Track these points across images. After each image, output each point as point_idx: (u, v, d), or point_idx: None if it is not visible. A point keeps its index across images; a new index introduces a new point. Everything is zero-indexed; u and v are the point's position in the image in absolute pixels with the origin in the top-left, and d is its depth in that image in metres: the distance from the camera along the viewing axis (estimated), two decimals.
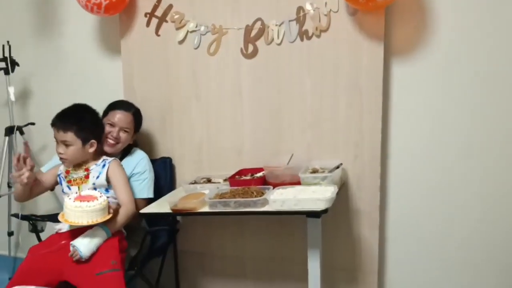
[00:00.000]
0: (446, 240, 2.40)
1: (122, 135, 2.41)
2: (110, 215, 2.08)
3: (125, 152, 2.48)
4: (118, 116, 2.42)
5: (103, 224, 2.09)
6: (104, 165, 2.26)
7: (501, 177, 2.26)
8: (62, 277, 2.07)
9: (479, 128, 2.26)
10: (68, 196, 2.06)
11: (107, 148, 2.39)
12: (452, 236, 2.38)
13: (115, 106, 2.47)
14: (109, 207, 2.10)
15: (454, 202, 2.36)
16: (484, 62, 2.21)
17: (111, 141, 2.39)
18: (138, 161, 2.46)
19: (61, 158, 2.23)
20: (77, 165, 2.27)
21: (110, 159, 2.30)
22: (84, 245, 2.03)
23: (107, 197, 2.16)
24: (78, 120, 2.22)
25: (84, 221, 2.01)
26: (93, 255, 2.06)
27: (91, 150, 2.25)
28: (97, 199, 2.04)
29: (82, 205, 2.00)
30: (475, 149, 2.28)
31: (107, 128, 2.39)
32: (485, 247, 2.34)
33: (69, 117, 2.23)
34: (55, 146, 2.24)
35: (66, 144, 2.19)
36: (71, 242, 2.04)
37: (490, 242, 2.32)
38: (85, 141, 2.22)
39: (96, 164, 2.27)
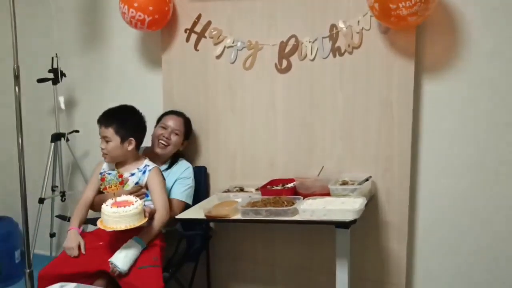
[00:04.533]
0: (474, 254, 2.41)
1: (173, 137, 2.58)
2: (146, 219, 2.17)
3: (172, 162, 2.62)
4: (170, 120, 2.62)
5: (137, 236, 2.21)
6: (144, 172, 2.39)
7: None
8: (102, 266, 2.17)
9: (510, 144, 2.28)
10: (105, 203, 2.16)
11: (158, 150, 2.56)
12: (481, 252, 2.40)
13: (168, 112, 2.69)
14: (144, 211, 2.19)
15: (483, 218, 2.37)
16: None
17: (162, 143, 2.56)
18: (185, 168, 2.60)
19: (103, 154, 2.38)
20: (118, 165, 2.40)
21: (151, 166, 2.41)
22: (120, 261, 2.12)
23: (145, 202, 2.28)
24: (120, 118, 2.37)
25: (122, 226, 2.09)
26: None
27: (130, 148, 2.37)
28: (133, 204, 2.12)
29: (119, 211, 2.08)
30: (505, 164, 2.30)
31: (159, 131, 2.58)
32: None
33: (112, 115, 2.39)
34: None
35: (107, 140, 2.34)
36: (109, 260, 2.14)
37: None
38: (123, 139, 2.35)
39: (138, 169, 2.40)
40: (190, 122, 2.71)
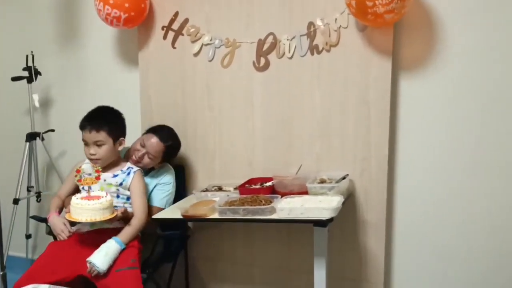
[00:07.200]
0: (452, 253, 2.42)
1: (145, 159, 2.45)
2: (112, 216, 2.13)
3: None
4: (151, 140, 2.46)
5: (116, 237, 2.19)
6: (129, 173, 2.36)
7: (508, 190, 2.28)
8: (79, 271, 2.14)
9: (487, 143, 2.30)
10: (75, 195, 2.14)
11: (130, 160, 2.47)
12: (459, 249, 2.41)
13: (155, 130, 2.52)
14: (118, 211, 2.18)
15: (460, 215, 2.38)
16: (492, 77, 2.25)
17: (134, 158, 2.46)
18: (166, 174, 2.55)
19: (93, 160, 2.30)
20: (105, 167, 2.33)
21: (135, 168, 2.40)
22: (100, 260, 2.09)
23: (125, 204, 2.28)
24: (110, 120, 2.34)
25: (83, 218, 2.08)
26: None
27: (120, 147, 2.37)
28: (99, 199, 2.10)
29: (82, 203, 2.07)
30: (482, 163, 2.31)
31: (137, 146, 2.47)
32: (492, 260, 2.35)
33: (100, 118, 2.33)
34: (84, 149, 2.32)
35: (98, 144, 2.28)
36: (87, 259, 2.11)
37: (498, 255, 2.34)
38: (116, 140, 2.33)
39: (121, 171, 2.37)
40: (174, 149, 2.55)
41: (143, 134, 2.54)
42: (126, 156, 2.52)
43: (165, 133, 2.52)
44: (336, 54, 2.40)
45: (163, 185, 2.52)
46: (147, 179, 2.49)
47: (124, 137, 2.40)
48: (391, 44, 2.30)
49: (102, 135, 2.28)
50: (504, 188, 2.29)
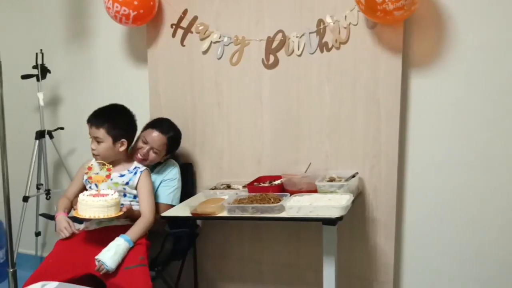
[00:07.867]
0: (462, 251, 2.40)
1: (151, 155, 2.45)
2: (116, 214, 2.13)
3: (159, 162, 2.55)
4: (152, 135, 2.46)
5: (125, 235, 2.19)
6: (135, 173, 2.36)
7: None
8: (87, 270, 2.14)
9: (497, 140, 2.27)
10: (83, 193, 2.16)
11: (136, 159, 2.47)
12: (468, 247, 2.39)
13: (154, 124, 2.52)
14: (125, 208, 2.19)
15: (471, 213, 2.36)
16: (503, 74, 2.23)
17: (139, 157, 2.46)
18: (171, 169, 2.55)
19: (94, 154, 2.33)
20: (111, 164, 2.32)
21: (142, 168, 2.40)
22: (109, 259, 2.09)
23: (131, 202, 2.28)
24: (111, 118, 2.33)
25: (86, 215, 2.10)
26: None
27: (122, 149, 2.35)
28: (105, 196, 2.10)
29: (87, 199, 2.09)
30: (492, 161, 2.29)
31: (140, 144, 2.47)
32: (503, 258, 2.33)
33: (103, 115, 2.34)
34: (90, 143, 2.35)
35: (98, 141, 2.30)
36: (96, 257, 2.10)
37: (508, 253, 2.32)
38: (115, 139, 2.31)
39: (128, 170, 2.38)
40: (176, 139, 2.56)
41: (142, 131, 2.53)
42: (130, 155, 2.51)
43: (164, 125, 2.53)
44: (345, 51, 2.38)
45: (168, 181, 2.52)
46: (152, 176, 2.49)
47: (128, 139, 2.37)
48: (401, 42, 2.29)
49: (101, 133, 2.29)
50: None
